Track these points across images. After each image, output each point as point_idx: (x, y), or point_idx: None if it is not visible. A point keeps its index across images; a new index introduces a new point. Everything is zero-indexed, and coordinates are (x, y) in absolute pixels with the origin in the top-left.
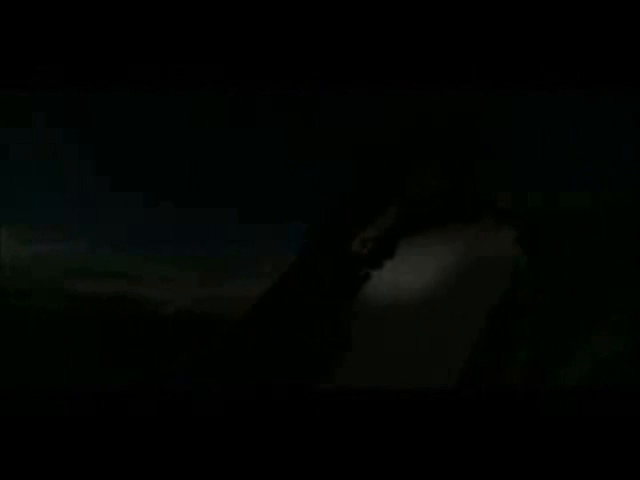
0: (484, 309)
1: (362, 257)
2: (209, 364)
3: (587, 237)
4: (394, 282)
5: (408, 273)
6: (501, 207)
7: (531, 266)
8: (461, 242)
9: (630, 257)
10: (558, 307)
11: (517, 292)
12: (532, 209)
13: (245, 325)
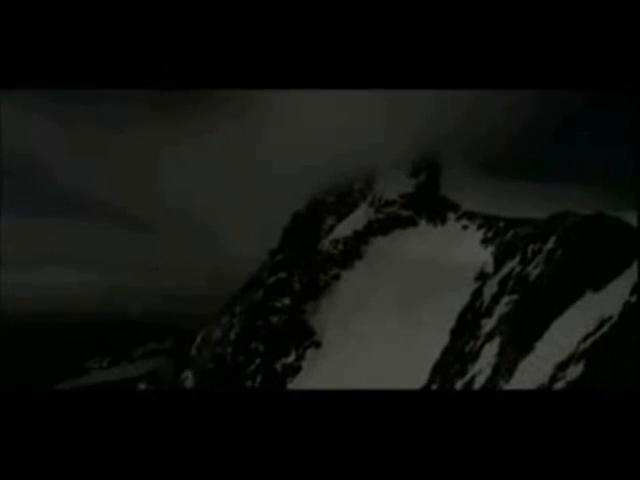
0: (452, 309)
1: (332, 257)
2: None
3: (558, 239)
4: (364, 282)
5: (377, 274)
6: (467, 210)
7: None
8: (429, 244)
9: (595, 259)
10: (524, 307)
11: (484, 292)
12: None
13: (213, 326)
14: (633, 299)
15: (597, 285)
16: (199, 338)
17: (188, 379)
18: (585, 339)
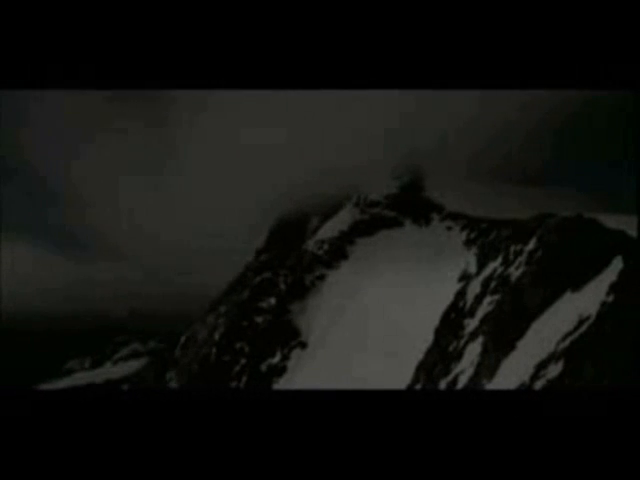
0: (436, 309)
1: (318, 258)
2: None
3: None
4: (349, 283)
5: (362, 274)
6: (451, 211)
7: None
8: (413, 244)
9: (574, 260)
10: (506, 307)
11: (467, 292)
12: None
13: (198, 326)
14: (610, 299)
15: (576, 285)
16: (183, 339)
17: (172, 380)
18: (564, 338)
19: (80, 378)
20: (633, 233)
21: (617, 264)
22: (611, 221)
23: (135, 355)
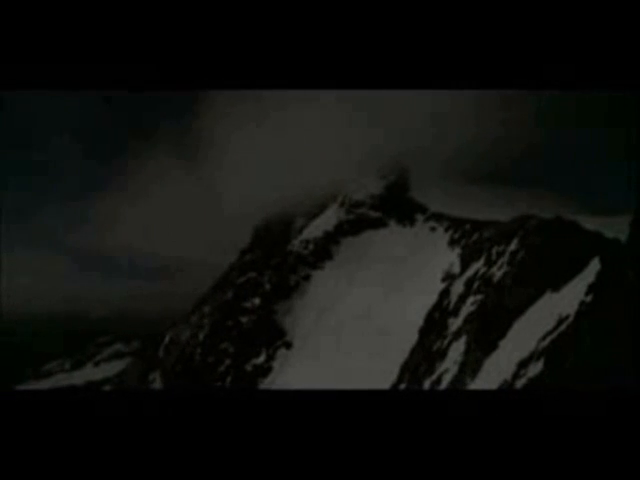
0: (420, 309)
1: (303, 258)
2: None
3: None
4: (334, 283)
5: (347, 274)
6: (435, 212)
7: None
8: (398, 245)
9: (554, 261)
10: (488, 306)
11: (451, 292)
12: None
13: (182, 326)
14: (588, 299)
15: (556, 286)
16: (167, 339)
17: (156, 381)
18: (545, 337)
19: (60, 380)
20: (610, 234)
21: (595, 265)
22: (589, 223)
23: (117, 356)
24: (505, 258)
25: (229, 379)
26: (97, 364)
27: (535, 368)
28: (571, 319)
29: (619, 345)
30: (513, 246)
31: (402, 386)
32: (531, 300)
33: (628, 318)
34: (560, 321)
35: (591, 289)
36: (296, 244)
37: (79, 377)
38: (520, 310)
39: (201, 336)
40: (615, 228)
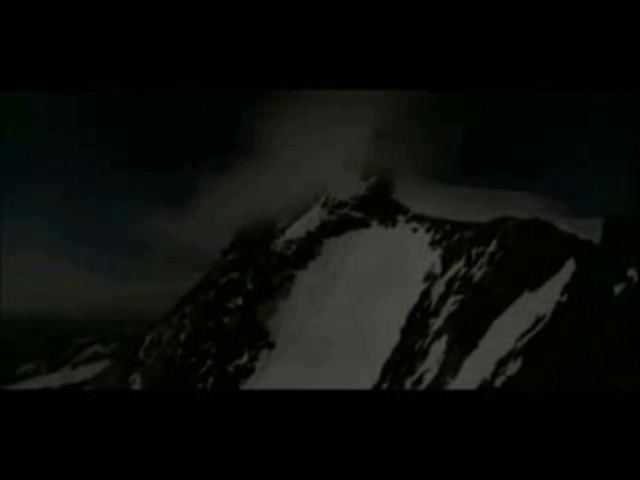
0: (402, 309)
1: (286, 258)
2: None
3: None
4: (317, 283)
5: (330, 275)
6: (416, 213)
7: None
8: (380, 245)
9: (531, 261)
10: (468, 306)
11: (432, 292)
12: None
13: (163, 327)
14: (564, 299)
15: (533, 286)
16: (147, 340)
17: (136, 383)
18: (522, 336)
19: (35, 383)
20: (584, 236)
21: (570, 266)
22: (564, 224)
23: (96, 358)
24: (485, 259)
25: (211, 380)
26: (75, 366)
27: (514, 367)
28: (548, 318)
29: (593, 344)
30: (492, 247)
31: (384, 385)
32: (510, 300)
33: (601, 318)
34: (537, 320)
35: (566, 290)
36: (279, 244)
37: (56, 380)
38: (499, 310)
39: (182, 337)
40: (589, 230)
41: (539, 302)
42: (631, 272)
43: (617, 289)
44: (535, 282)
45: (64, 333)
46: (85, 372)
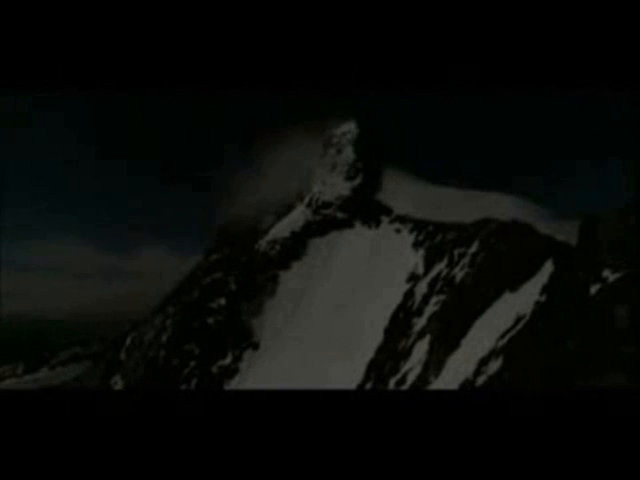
0: (385, 309)
1: (270, 258)
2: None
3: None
4: (301, 283)
5: (314, 274)
6: (400, 214)
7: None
8: (364, 246)
9: (511, 262)
10: (451, 306)
11: (415, 293)
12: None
13: (145, 328)
14: (543, 299)
15: (513, 286)
16: (129, 341)
17: (117, 385)
18: (503, 336)
19: (11, 385)
20: (561, 238)
21: (548, 267)
22: (542, 226)
23: (75, 359)
24: (466, 259)
25: (194, 381)
26: (53, 368)
27: (495, 365)
28: (527, 318)
29: (570, 343)
30: (474, 248)
31: (368, 385)
32: (491, 300)
33: (578, 317)
34: (518, 320)
35: (545, 289)
36: (263, 244)
37: (33, 382)
38: (480, 309)
39: (164, 338)
40: (566, 232)
41: (519, 302)
42: (606, 272)
43: (593, 289)
44: (515, 282)
45: (42, 334)
46: (64, 374)
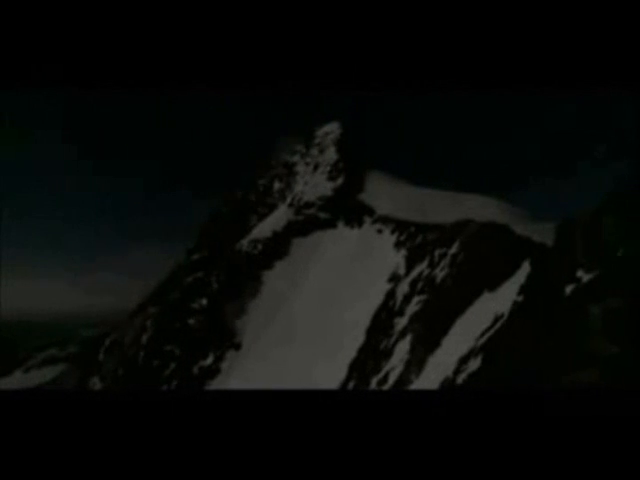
0: (367, 308)
1: (252, 258)
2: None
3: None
4: (283, 283)
5: (296, 275)
6: (382, 214)
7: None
8: (346, 246)
9: (490, 262)
10: (432, 306)
11: (396, 293)
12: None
13: (124, 329)
14: (520, 299)
15: (492, 286)
16: (108, 342)
17: (96, 386)
18: (482, 335)
19: None
20: (538, 239)
21: (526, 267)
22: (519, 228)
23: (51, 361)
24: (447, 260)
25: (175, 382)
26: (27, 370)
27: (474, 364)
28: (505, 318)
29: (546, 342)
30: (454, 249)
31: (350, 385)
32: (470, 300)
33: (553, 316)
34: (496, 319)
35: (522, 289)
36: (245, 244)
37: (7, 384)
38: (461, 309)
39: (145, 338)
40: (542, 234)
41: (498, 302)
42: (580, 273)
43: (568, 289)
44: (494, 283)
45: (16, 336)
46: (39, 377)
